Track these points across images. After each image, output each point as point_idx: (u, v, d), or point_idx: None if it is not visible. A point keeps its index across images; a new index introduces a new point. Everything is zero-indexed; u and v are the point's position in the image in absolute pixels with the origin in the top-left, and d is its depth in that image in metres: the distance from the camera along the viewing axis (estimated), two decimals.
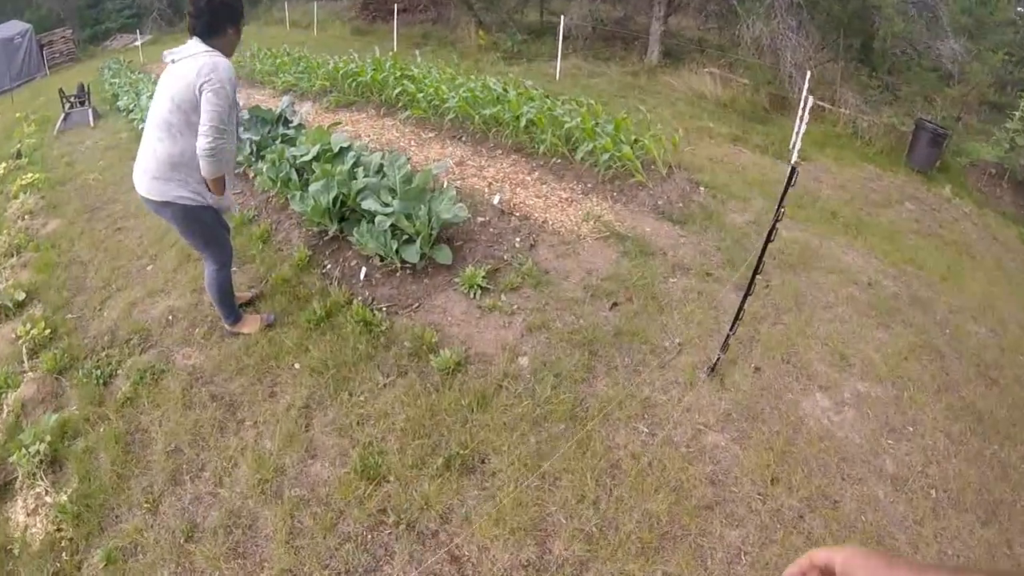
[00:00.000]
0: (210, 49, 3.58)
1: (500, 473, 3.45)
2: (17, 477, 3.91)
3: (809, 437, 3.69)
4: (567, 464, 3.48)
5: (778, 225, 5.88)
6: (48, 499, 3.72)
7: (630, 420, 3.75)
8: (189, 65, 3.50)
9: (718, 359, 4.06)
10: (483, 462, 3.54)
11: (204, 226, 4.02)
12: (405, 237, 4.89)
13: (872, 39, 11.54)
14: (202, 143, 3.52)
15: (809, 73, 8.58)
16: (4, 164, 10.22)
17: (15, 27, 25.05)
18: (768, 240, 3.45)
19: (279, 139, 6.95)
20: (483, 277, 4.76)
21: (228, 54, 3.71)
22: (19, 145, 11.17)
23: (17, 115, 14.34)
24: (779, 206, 3.29)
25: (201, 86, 3.46)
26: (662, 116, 9.53)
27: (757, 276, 3.69)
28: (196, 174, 3.76)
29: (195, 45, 3.58)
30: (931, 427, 3.93)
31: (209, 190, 3.85)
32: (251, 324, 4.71)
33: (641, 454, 3.54)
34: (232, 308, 4.58)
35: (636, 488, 3.35)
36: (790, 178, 3.14)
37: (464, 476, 3.47)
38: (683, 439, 3.64)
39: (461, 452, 3.55)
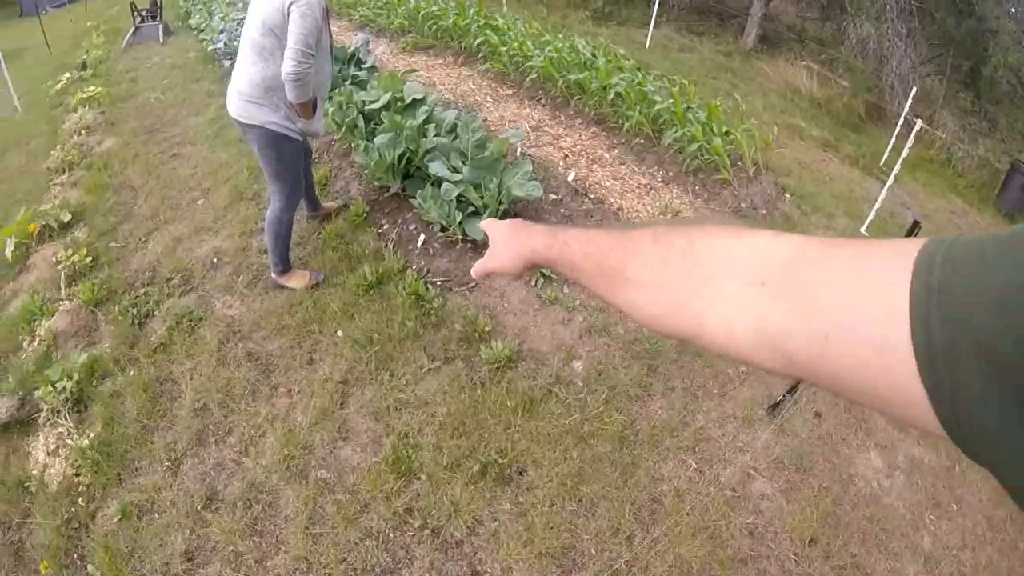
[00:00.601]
0: None
1: (536, 489, 3.21)
2: (41, 412, 3.81)
3: (856, 500, 3.40)
4: (607, 491, 3.22)
5: None
6: (70, 441, 3.63)
7: (680, 452, 3.45)
8: None
9: (782, 399, 3.70)
10: (520, 474, 3.30)
11: (283, 156, 3.89)
12: (471, 209, 4.57)
13: (982, 64, 10.79)
14: (287, 66, 3.38)
15: (915, 89, 8.00)
16: (68, 75, 10.11)
17: None
18: None
19: (349, 80, 6.62)
20: None
21: None
22: (85, 56, 11.03)
23: (88, 24, 14.28)
24: None
25: (289, 7, 3.34)
26: (753, 107, 9.01)
27: None
28: (281, 99, 3.67)
29: None
30: (974, 508, 3.61)
31: (298, 115, 3.74)
32: (298, 279, 4.47)
33: (686, 492, 3.26)
34: (283, 256, 4.36)
35: (674, 529, 3.08)
36: (910, 231, 2.74)
37: (499, 486, 3.23)
38: (731, 481, 3.34)
39: (499, 460, 3.30)
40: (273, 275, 4.46)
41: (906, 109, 7.92)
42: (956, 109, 10.99)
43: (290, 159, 3.95)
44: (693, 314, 0.63)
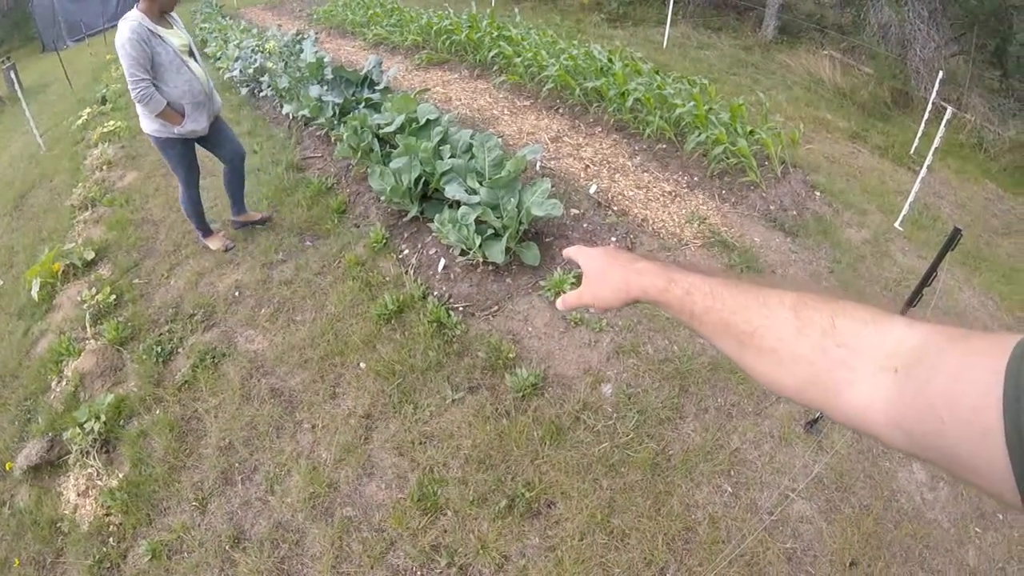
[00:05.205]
0: (128, 13, 4.23)
1: (566, 522, 3.12)
2: (71, 454, 3.86)
3: (899, 517, 3.26)
4: (639, 522, 3.11)
5: (898, 253, 5.38)
6: (99, 482, 3.68)
7: (714, 476, 3.33)
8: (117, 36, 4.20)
9: (820, 415, 3.56)
10: (549, 506, 3.21)
11: (171, 156, 4.75)
12: (490, 232, 4.49)
13: (1007, 41, 10.46)
14: (133, 95, 4.25)
15: (941, 73, 7.76)
16: (88, 109, 10.21)
17: None
18: (910, 304, 2.91)
19: (363, 103, 6.60)
20: (571, 284, 4.29)
21: (168, 8, 4.42)
22: (105, 90, 11.14)
23: (108, 57, 14.42)
24: (932, 270, 2.75)
25: (118, 52, 4.17)
26: (777, 102, 8.84)
27: None
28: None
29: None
30: (1021, 517, 3.45)
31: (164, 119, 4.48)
32: (215, 242, 5.40)
33: (721, 518, 3.14)
34: (200, 223, 5.29)
35: (709, 558, 2.97)
36: (951, 241, 2.60)
37: (527, 520, 3.15)
38: (768, 504, 3.22)
39: (527, 493, 3.21)
40: (200, 240, 5.43)
41: (933, 94, 7.71)
42: (984, 90, 10.65)
43: (177, 157, 4.75)
44: (828, 390, 0.68)
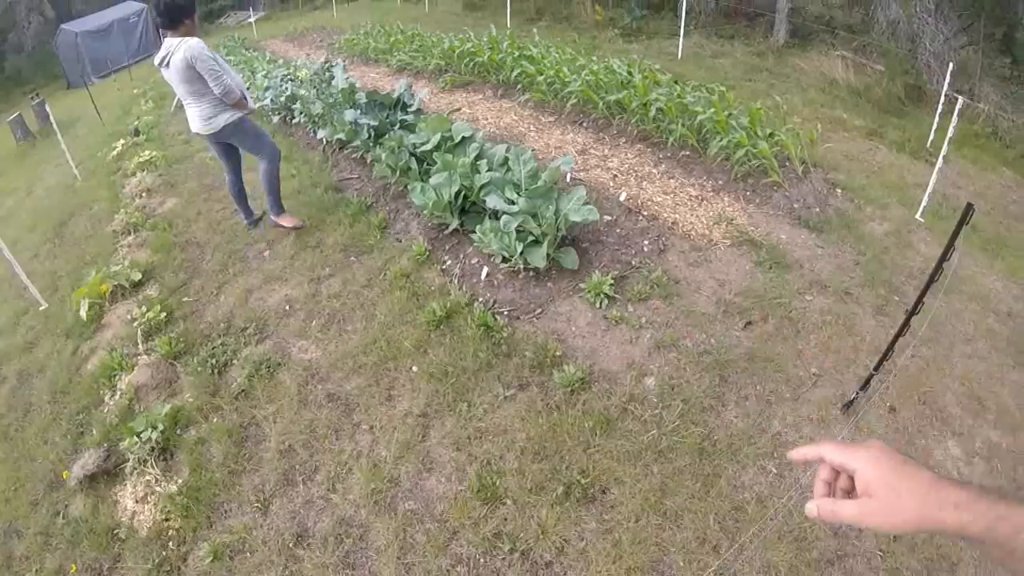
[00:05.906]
0: (181, 38, 4.90)
1: (620, 506, 3.26)
2: (128, 462, 3.98)
3: None
4: (690, 503, 3.25)
5: (921, 243, 5.49)
6: (158, 488, 3.79)
7: (759, 458, 3.46)
8: (179, 56, 4.88)
9: (855, 397, 3.69)
10: (604, 492, 3.35)
11: (249, 130, 5.57)
12: (531, 239, 4.68)
13: (1015, 29, 10.55)
14: (217, 91, 5.08)
15: (952, 65, 7.86)
16: (122, 141, 10.45)
17: (131, 7, 26.63)
18: (932, 280, 3.05)
19: (397, 125, 6.83)
20: (610, 285, 4.49)
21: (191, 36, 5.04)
22: (136, 122, 11.41)
23: (135, 91, 14.78)
24: (950, 246, 2.89)
25: (195, 64, 4.91)
26: (793, 104, 8.96)
27: (913, 317, 3.29)
28: (226, 104, 5.28)
29: (169, 41, 4.95)
30: None
31: (238, 108, 5.38)
32: (290, 221, 6.05)
33: (768, 497, 3.27)
34: (278, 200, 5.97)
35: (759, 535, 3.09)
36: (964, 217, 2.74)
37: (583, 506, 3.28)
38: (812, 484, 3.31)
39: (582, 480, 3.36)
40: (273, 217, 6.08)
41: (945, 86, 7.78)
42: (995, 79, 10.64)
43: (256, 129, 5.67)
44: None
